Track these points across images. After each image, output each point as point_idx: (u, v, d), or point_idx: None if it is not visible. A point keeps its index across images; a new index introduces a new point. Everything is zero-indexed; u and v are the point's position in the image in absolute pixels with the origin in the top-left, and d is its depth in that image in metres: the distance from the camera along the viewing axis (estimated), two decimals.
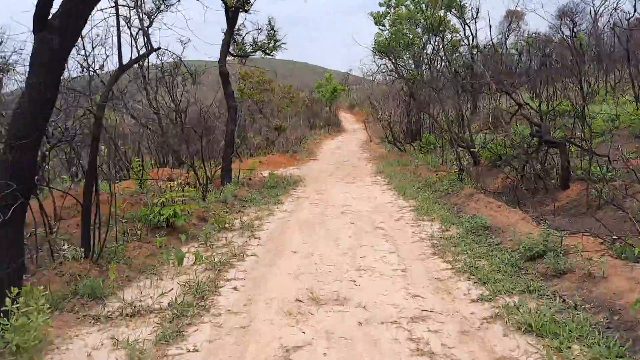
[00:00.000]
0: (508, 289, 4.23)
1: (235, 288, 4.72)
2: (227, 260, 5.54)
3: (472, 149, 10.33)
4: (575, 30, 20.58)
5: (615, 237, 4.91)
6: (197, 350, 3.44)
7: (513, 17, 24.42)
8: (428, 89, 13.94)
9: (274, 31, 12.59)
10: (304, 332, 3.64)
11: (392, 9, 19.51)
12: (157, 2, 13.00)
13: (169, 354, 3.40)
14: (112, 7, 5.79)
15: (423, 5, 17.92)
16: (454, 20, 18.87)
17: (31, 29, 3.66)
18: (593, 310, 3.65)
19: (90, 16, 4.24)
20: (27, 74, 3.73)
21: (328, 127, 27.10)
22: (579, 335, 3.27)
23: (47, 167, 8.09)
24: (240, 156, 14.07)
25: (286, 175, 12.21)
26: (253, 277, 5.04)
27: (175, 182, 7.43)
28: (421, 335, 3.52)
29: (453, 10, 17.78)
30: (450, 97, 12.81)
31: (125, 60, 6.13)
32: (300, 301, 4.26)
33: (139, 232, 6.33)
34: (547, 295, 4.02)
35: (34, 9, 3.60)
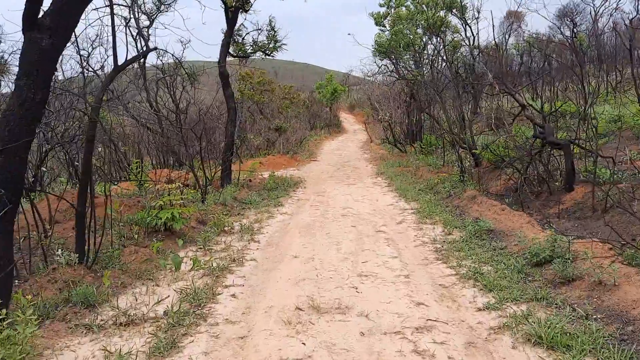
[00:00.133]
0: (515, 297, 4.09)
1: (233, 295, 4.57)
2: (226, 266, 5.39)
3: (473, 150, 10.18)
4: (575, 30, 20.45)
5: (624, 242, 4.76)
6: None
7: (513, 18, 24.31)
8: (429, 89, 13.79)
9: (274, 31, 12.46)
10: (304, 344, 3.49)
11: (392, 10, 19.38)
12: (157, 2, 12.89)
13: None
14: (107, 6, 5.63)
15: (423, 5, 17.79)
16: (455, 21, 18.76)
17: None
18: (605, 320, 3.50)
19: (84, 15, 4.12)
20: (16, 75, 3.59)
21: (328, 128, 26.99)
22: (592, 349, 3.11)
23: (44, 169, 7.93)
24: (241, 157, 13.94)
25: (286, 177, 12.07)
26: (252, 284, 4.89)
27: (174, 184, 7.29)
28: (426, 347, 3.36)
29: (454, 10, 17.66)
30: (451, 98, 12.67)
31: (121, 61, 5.99)
32: (300, 309, 4.12)
33: (136, 235, 6.19)
34: (556, 304, 3.87)
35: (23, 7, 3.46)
